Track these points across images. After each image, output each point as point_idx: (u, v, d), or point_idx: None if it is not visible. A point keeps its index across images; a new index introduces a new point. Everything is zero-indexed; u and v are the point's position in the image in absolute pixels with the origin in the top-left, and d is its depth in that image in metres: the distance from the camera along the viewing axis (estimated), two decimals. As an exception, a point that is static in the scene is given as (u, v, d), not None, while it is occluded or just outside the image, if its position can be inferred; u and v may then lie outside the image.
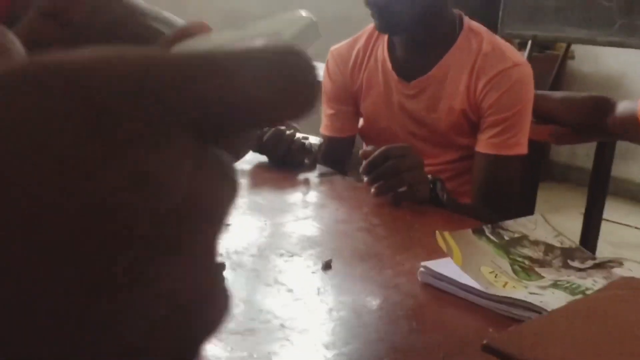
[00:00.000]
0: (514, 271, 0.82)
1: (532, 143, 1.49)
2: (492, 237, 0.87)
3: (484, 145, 1.45)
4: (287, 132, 1.36)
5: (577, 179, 3.93)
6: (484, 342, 0.63)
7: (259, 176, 1.35)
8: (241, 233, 1.00)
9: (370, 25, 1.55)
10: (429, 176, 1.25)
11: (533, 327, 0.63)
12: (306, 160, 1.38)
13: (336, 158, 1.58)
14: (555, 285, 0.78)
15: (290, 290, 0.82)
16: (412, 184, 1.20)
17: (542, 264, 0.84)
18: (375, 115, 1.57)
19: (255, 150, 1.37)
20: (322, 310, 0.78)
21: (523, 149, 1.45)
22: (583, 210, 1.81)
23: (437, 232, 0.84)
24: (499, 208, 1.42)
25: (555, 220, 1.01)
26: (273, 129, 1.34)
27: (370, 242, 1.01)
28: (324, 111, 1.65)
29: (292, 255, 0.93)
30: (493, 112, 1.43)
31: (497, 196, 1.44)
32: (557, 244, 0.89)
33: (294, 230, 1.04)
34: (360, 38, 1.58)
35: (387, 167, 1.19)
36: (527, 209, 1.74)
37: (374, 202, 1.20)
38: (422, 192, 1.22)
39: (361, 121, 1.63)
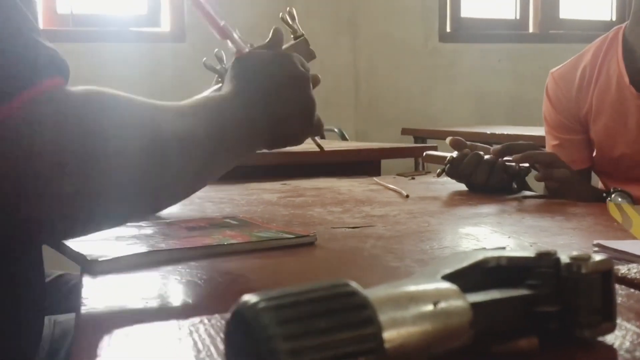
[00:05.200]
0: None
1: None
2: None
3: None
4: (486, 156, 1.15)
5: None
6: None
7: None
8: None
9: (597, 39, 1.38)
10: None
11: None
12: (514, 185, 1.18)
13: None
14: None
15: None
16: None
17: None
18: (609, 142, 1.34)
19: (452, 177, 1.20)
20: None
21: None
22: None
23: (608, 202, 0.73)
24: None
25: None
26: (470, 154, 1.15)
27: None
28: (548, 142, 1.43)
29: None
30: None
31: None
32: None
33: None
34: (584, 55, 1.38)
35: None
36: None
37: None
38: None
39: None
